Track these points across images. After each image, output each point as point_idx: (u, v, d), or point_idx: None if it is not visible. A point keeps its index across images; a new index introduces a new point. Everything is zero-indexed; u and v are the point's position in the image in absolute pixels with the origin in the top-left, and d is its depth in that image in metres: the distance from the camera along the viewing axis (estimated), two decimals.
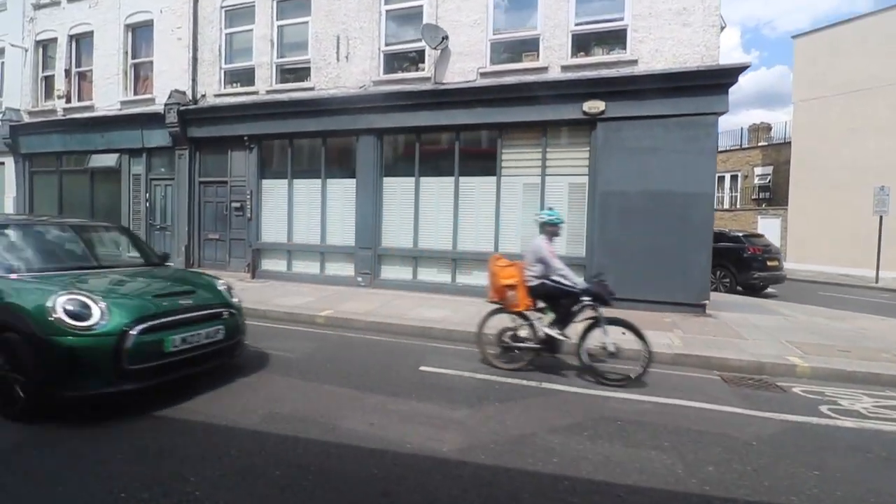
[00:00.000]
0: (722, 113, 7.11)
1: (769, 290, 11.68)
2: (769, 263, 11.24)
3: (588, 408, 3.86)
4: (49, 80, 12.42)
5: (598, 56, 7.73)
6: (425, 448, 3.04)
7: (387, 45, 8.92)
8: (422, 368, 4.77)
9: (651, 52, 7.39)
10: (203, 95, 10.31)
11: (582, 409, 3.81)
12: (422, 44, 8.65)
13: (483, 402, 3.88)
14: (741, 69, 6.97)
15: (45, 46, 12.37)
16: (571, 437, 3.26)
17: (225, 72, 10.25)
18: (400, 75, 8.77)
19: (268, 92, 9.73)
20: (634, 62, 7.43)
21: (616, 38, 7.71)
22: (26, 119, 12.33)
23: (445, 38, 8.10)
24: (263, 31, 9.75)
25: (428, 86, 8.48)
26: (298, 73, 9.73)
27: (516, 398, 4.01)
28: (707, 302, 7.33)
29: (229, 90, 10.17)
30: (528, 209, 8.22)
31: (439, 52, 8.36)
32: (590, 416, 3.67)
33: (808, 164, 18.25)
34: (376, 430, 3.31)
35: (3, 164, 12.95)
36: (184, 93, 10.31)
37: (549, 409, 3.80)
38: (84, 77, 11.96)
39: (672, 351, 5.29)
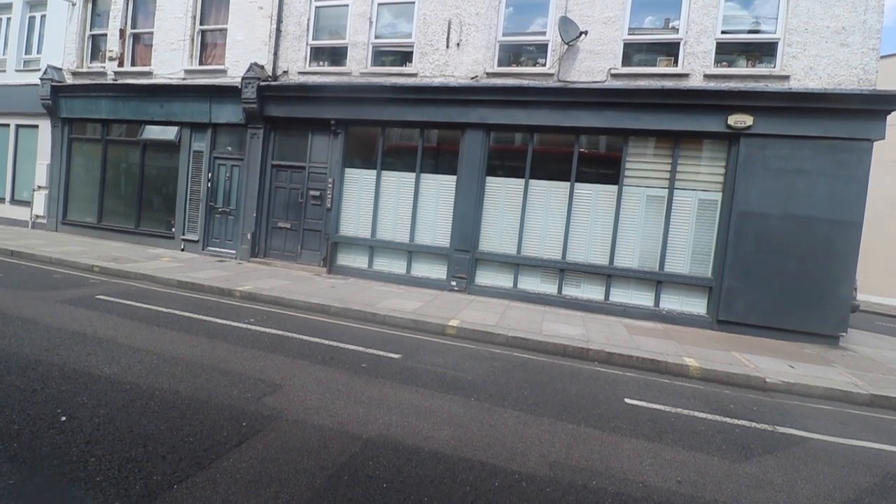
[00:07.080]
0: (878, 139, 6.80)
1: None
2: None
3: (873, 464, 3.42)
4: (97, 40, 11.31)
5: (744, 67, 7.31)
6: None
7: (505, 35, 8.30)
8: (627, 401, 4.28)
9: (804, 70, 7.02)
10: (285, 72, 9.47)
11: (865, 467, 3.37)
12: (545, 37, 8.09)
13: (756, 454, 3.41)
14: None
15: (96, 2, 11.25)
16: None
17: (312, 48, 9.43)
18: (518, 69, 8.17)
19: (362, 74, 8.98)
20: (786, 78, 7.05)
21: (763, 51, 7.31)
22: (69, 80, 11.19)
23: (583, 34, 7.54)
24: (362, 9, 8.98)
25: (551, 83, 7.92)
26: (397, 56, 9.00)
27: (775, 450, 3.54)
28: (844, 334, 7.04)
29: (316, 68, 9.36)
30: (650, 223, 7.79)
31: (566, 48, 7.81)
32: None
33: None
34: (687, 488, 2.81)
35: (36, 126, 11.73)
36: (262, 67, 9.47)
37: (833, 465, 3.34)
38: (139, 39, 10.92)
39: (864, 391, 4.94)
